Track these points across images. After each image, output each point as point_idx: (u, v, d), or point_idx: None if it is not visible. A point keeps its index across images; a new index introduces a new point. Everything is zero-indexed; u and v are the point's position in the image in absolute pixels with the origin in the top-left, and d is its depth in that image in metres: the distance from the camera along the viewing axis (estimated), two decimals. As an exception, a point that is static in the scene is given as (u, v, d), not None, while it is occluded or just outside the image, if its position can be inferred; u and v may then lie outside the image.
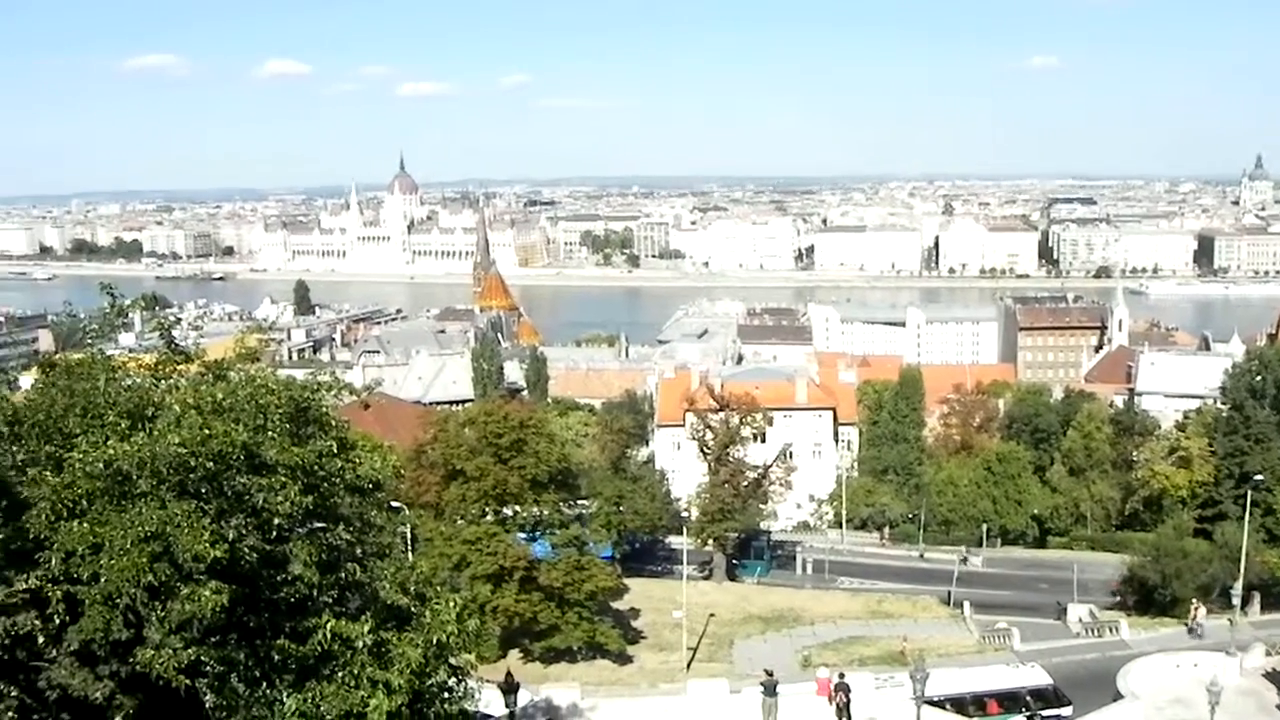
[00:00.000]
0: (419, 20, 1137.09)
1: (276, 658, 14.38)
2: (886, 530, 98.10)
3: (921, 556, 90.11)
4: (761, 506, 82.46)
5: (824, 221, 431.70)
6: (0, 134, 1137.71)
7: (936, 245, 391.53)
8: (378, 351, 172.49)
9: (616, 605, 61.56)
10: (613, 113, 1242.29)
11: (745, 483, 77.00)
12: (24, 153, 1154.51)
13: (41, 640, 12.71)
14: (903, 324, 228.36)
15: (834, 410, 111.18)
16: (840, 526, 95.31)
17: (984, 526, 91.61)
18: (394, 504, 22.97)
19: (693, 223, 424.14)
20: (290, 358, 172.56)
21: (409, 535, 33.25)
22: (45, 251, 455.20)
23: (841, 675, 38.70)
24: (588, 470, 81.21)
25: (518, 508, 56.05)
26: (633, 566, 75.35)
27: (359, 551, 16.52)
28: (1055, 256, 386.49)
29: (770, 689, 36.62)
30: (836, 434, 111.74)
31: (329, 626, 14.26)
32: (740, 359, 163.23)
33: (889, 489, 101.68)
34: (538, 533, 55.80)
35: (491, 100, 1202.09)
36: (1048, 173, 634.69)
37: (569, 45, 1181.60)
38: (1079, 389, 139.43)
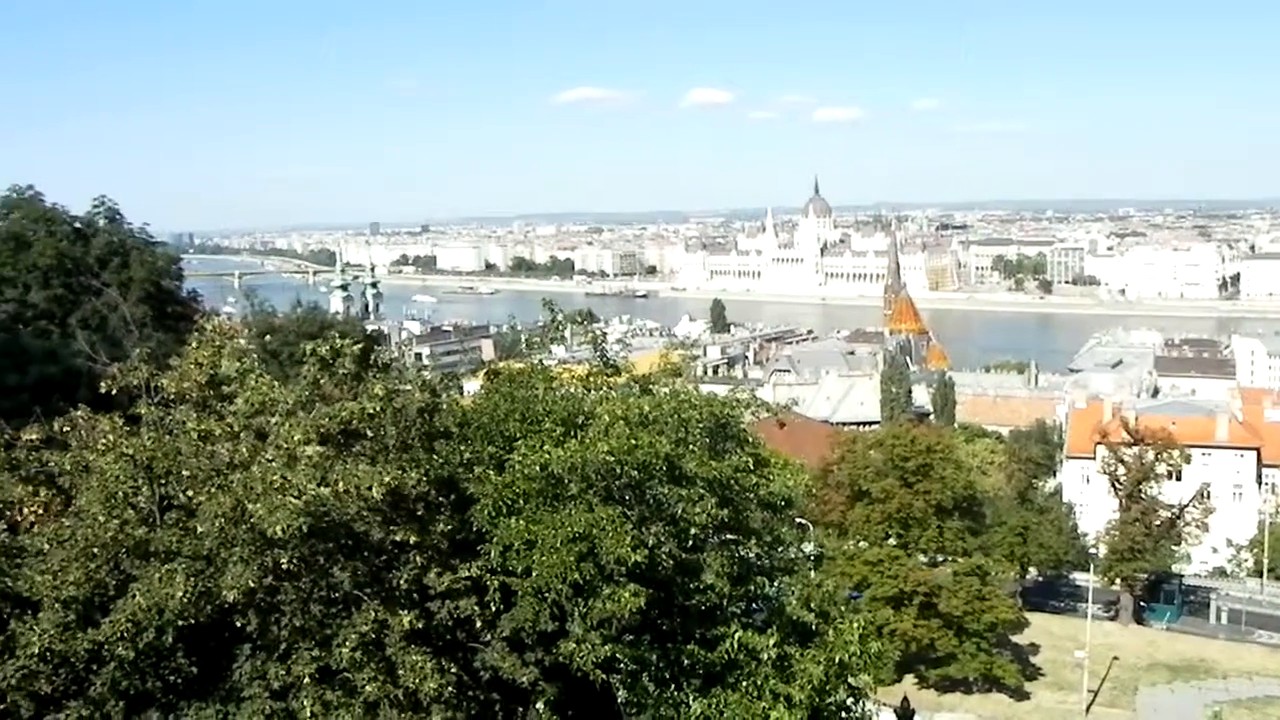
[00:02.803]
0: (836, 49, 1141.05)
1: (685, 662, 14.86)
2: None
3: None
4: (1174, 548, 77.46)
5: (1252, 248, 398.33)
6: (454, 162, 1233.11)
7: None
8: (788, 371, 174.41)
9: (1016, 639, 59.83)
10: (1027, 136, 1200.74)
11: (1158, 522, 72.52)
12: (474, 178, 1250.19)
13: (479, 625, 13.64)
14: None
15: (1258, 450, 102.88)
16: (1261, 575, 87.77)
17: None
18: (801, 521, 23.29)
19: (1109, 248, 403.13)
20: (706, 374, 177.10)
21: (815, 553, 33.56)
22: (489, 268, 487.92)
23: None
24: (993, 499, 79.16)
25: (920, 532, 55.56)
26: (1034, 601, 72.89)
27: (768, 566, 16.90)
28: None
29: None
30: (1260, 476, 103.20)
31: (736, 636, 14.63)
32: (1156, 391, 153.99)
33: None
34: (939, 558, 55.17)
35: (904, 125, 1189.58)
36: None
37: (982, 69, 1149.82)
38: None
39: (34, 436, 14.30)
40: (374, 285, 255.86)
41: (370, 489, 12.52)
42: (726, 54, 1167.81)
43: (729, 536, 16.17)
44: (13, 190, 37.40)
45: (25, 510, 13.98)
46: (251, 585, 12.20)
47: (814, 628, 16.32)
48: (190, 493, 13.38)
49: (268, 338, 30.98)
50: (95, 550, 12.61)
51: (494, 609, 13.68)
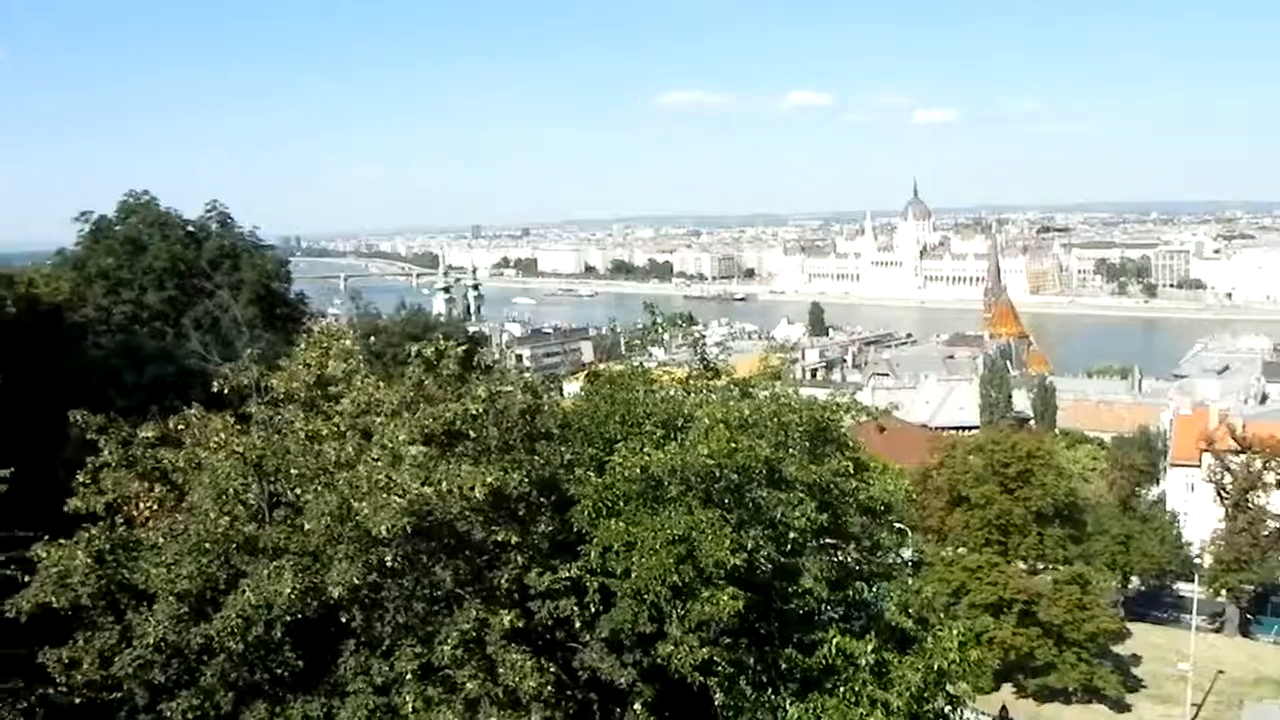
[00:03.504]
0: (934, 50, 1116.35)
1: (783, 666, 14.83)
2: None
3: None
4: (1283, 559, 75.50)
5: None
6: (554, 165, 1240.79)
7: None
8: (887, 374, 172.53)
9: (1117, 650, 58.69)
10: (1129, 136, 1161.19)
11: (1266, 532, 70.43)
12: (573, 182, 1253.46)
13: (578, 625, 13.78)
14: None
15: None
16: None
17: None
18: (900, 526, 23.15)
19: (1215, 251, 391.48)
20: (804, 377, 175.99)
21: (914, 559, 33.40)
22: (589, 270, 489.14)
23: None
24: (1094, 506, 77.77)
25: (1020, 539, 54.87)
26: (1136, 611, 71.52)
27: (866, 571, 16.83)
28: None
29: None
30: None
31: (834, 641, 14.60)
32: (1264, 398, 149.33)
33: None
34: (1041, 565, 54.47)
35: (1003, 126, 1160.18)
36: None
37: (1081, 70, 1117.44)
38: None
39: (150, 434, 14.73)
40: (475, 288, 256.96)
41: (473, 489, 12.68)
42: (825, 56, 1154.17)
43: (828, 541, 16.13)
44: (129, 195, 38.42)
45: (141, 505, 14.44)
46: (356, 582, 12.45)
47: (913, 634, 16.20)
48: (298, 491, 13.72)
49: (372, 339, 31.55)
50: (207, 545, 13.00)
51: (593, 610, 13.81)
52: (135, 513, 14.42)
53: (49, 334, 24.40)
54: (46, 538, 13.21)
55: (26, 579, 12.88)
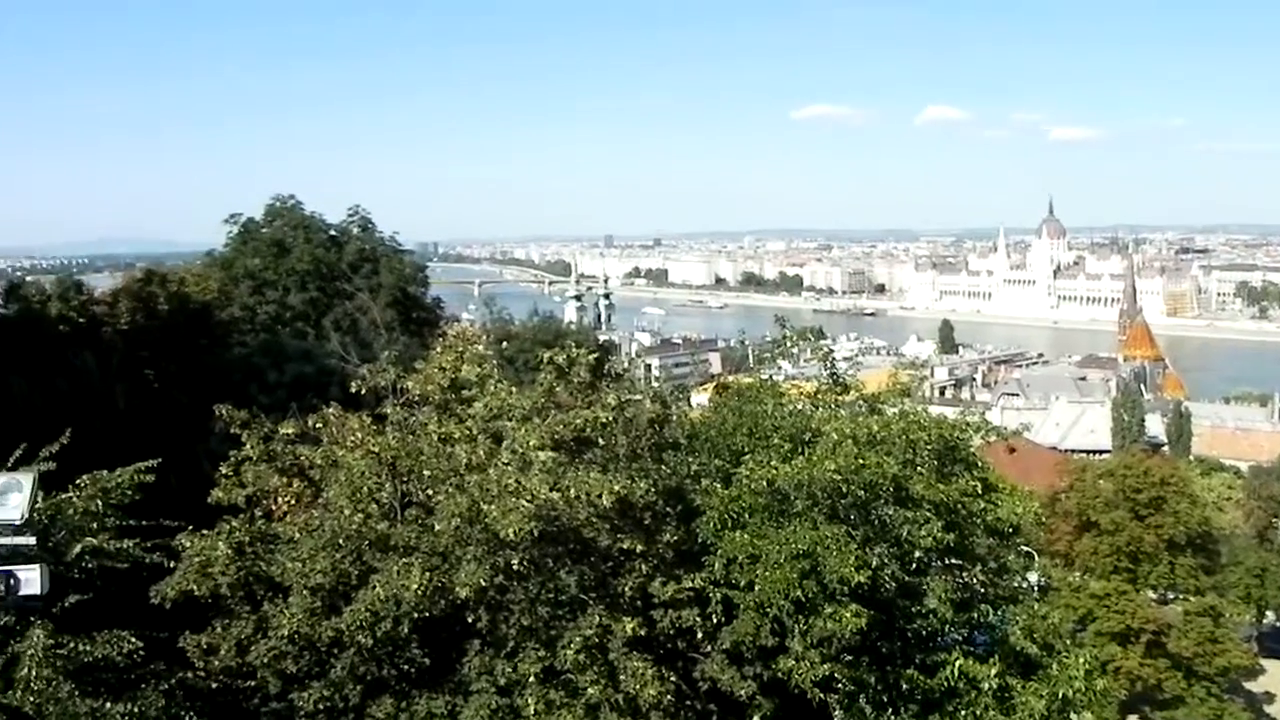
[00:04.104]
0: (1072, 66, 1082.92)
1: (904, 686, 14.68)
2: None
3: None
4: None
5: None
6: (687, 176, 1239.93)
7: None
8: (1017, 394, 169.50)
9: (1249, 686, 56.88)
10: (1275, 156, 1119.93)
11: None
12: (707, 193, 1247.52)
13: (700, 635, 13.83)
14: None
15: None
16: None
17: None
18: (1026, 549, 22.78)
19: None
20: (933, 395, 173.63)
21: (1040, 583, 32.83)
22: (719, 282, 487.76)
23: None
24: (1229, 536, 75.55)
25: (1151, 567, 53.61)
26: (1271, 648, 69.18)
27: (991, 593, 16.60)
28: None
29: None
30: None
31: (957, 664, 14.43)
32: None
33: None
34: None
35: (1144, 144, 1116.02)
36: None
37: (1227, 86, 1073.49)
38: None
39: (290, 431, 15.17)
40: (607, 296, 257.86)
41: (600, 496, 12.77)
42: (963, 72, 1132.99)
43: (953, 561, 15.94)
44: (275, 199, 39.63)
45: (279, 499, 14.90)
46: (483, 583, 12.59)
47: (1037, 660, 15.95)
48: (429, 491, 13.98)
49: (505, 345, 31.97)
50: (340, 541, 13.34)
51: (715, 621, 13.83)
52: (274, 507, 14.88)
53: (197, 331, 25.35)
54: (190, 528, 13.72)
55: (171, 566, 13.36)
